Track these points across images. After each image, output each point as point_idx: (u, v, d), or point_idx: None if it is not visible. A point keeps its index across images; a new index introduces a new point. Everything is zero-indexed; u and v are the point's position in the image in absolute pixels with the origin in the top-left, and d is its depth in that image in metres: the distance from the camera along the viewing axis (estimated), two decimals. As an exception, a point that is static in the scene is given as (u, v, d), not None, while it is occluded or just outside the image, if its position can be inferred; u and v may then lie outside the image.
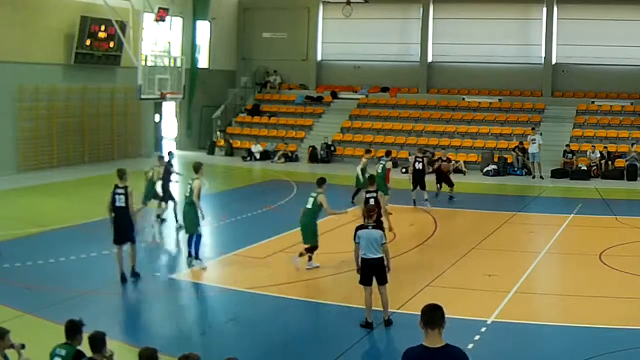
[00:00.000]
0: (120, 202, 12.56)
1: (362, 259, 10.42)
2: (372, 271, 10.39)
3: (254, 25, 36.29)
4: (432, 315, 5.29)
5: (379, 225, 10.90)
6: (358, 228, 10.53)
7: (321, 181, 13.80)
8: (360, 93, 34.33)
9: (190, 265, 13.77)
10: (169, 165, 17.77)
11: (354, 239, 10.48)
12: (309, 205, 13.55)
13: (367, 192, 14.47)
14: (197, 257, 13.79)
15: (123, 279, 12.55)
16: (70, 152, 26.86)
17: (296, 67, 35.65)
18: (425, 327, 5.28)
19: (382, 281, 10.45)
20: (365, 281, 10.45)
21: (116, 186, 12.66)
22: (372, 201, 13.86)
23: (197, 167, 13.97)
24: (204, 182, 15.87)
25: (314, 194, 13.54)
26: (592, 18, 30.85)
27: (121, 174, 12.81)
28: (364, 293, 10.46)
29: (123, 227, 12.66)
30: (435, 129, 30.79)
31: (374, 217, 10.69)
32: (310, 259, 13.63)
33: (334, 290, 12.42)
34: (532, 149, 26.62)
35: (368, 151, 21.98)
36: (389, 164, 18.79)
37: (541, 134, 28.20)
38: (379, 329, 10.45)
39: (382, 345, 10.20)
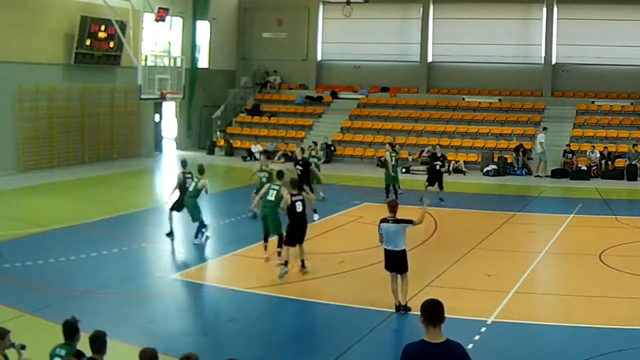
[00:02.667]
0: (189, 184, 15.66)
1: (385, 249, 11.05)
2: (393, 262, 10.99)
3: (254, 25, 36.29)
4: (434, 312, 5.30)
5: (400, 219, 11.19)
6: (381, 221, 11.09)
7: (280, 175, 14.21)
8: (360, 93, 34.32)
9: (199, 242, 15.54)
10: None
11: (378, 230, 11.11)
12: (271, 198, 13.75)
13: (292, 195, 13.28)
14: (200, 233, 15.59)
15: (170, 234, 15.72)
16: (70, 152, 26.85)
17: (296, 67, 35.64)
18: (427, 324, 5.27)
19: (402, 271, 11.02)
20: (389, 268, 11.11)
21: (184, 172, 16.16)
22: (299, 205, 13.16)
23: (202, 169, 15.61)
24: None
25: (276, 187, 13.75)
26: (592, 18, 30.84)
27: (184, 163, 16.61)
28: (390, 279, 11.09)
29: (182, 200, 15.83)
30: (435, 129, 30.78)
31: (396, 211, 11.11)
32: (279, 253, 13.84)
33: (334, 290, 12.41)
34: (541, 148, 26.71)
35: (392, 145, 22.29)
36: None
37: (541, 134, 28.38)
38: (378, 329, 10.47)
39: (382, 345, 10.20)
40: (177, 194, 16.23)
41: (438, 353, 5.22)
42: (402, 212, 11.50)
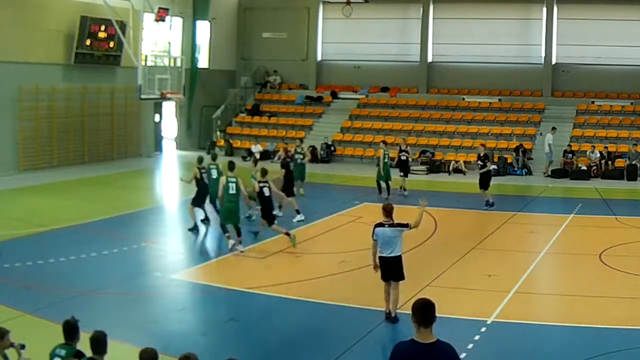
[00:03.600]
0: (205, 178, 16.98)
1: (380, 256, 10.66)
2: (389, 269, 10.63)
3: (254, 25, 36.30)
4: (427, 313, 5.29)
5: (396, 223, 10.80)
6: (376, 226, 10.73)
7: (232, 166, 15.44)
8: (360, 93, 34.33)
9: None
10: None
11: (372, 236, 10.72)
12: (234, 191, 14.86)
13: (259, 182, 15.49)
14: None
15: (195, 229, 16.65)
16: (70, 152, 26.85)
17: (296, 67, 35.65)
18: (418, 325, 5.27)
19: (397, 278, 10.68)
20: (384, 277, 10.73)
21: (199, 168, 17.16)
22: (265, 190, 15.30)
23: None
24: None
25: (234, 180, 14.94)
26: (592, 18, 30.85)
27: (200, 160, 17.50)
28: (385, 286, 10.74)
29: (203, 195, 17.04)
30: (435, 129, 30.79)
31: (391, 215, 10.75)
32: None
33: (334, 290, 12.40)
34: (549, 148, 26.78)
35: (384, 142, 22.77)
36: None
37: (541, 133, 28.31)
38: (378, 329, 10.46)
39: (382, 345, 10.19)
40: (195, 189, 17.10)
41: (427, 353, 5.23)
42: (403, 213, 11.48)
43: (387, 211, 10.76)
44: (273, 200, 15.98)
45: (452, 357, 5.28)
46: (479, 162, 20.43)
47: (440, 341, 5.28)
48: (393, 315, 10.65)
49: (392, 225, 10.64)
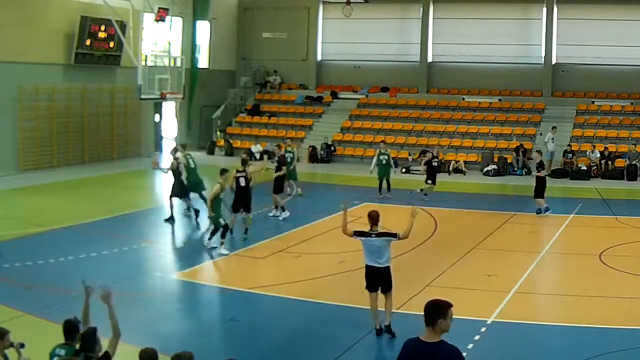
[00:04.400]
0: (181, 168, 17.38)
1: (367, 266, 10.27)
2: (377, 279, 10.23)
3: (254, 25, 36.30)
4: (426, 313, 5.44)
5: (383, 232, 10.27)
6: (360, 234, 10.22)
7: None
8: (360, 93, 34.34)
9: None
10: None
11: (354, 233, 10.29)
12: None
13: (237, 171, 15.73)
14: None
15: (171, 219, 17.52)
16: (70, 152, 26.86)
17: (296, 67, 35.65)
18: (425, 324, 5.42)
19: (386, 289, 10.27)
20: (370, 287, 10.31)
21: (176, 158, 17.51)
22: (242, 180, 15.60)
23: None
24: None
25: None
26: (592, 18, 30.86)
27: (175, 150, 17.99)
28: (370, 299, 10.32)
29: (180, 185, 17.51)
30: (435, 129, 30.79)
31: (377, 223, 10.25)
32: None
33: (334, 291, 12.40)
34: (551, 147, 26.72)
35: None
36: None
37: (541, 133, 28.27)
38: (379, 329, 10.46)
39: (381, 345, 10.20)
40: (172, 179, 17.61)
41: (429, 351, 5.35)
42: (405, 213, 11.44)
43: (373, 219, 10.20)
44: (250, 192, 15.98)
45: (452, 357, 5.37)
46: (538, 167, 19.86)
47: (444, 342, 5.40)
48: (387, 324, 10.21)
49: (379, 234, 10.10)
